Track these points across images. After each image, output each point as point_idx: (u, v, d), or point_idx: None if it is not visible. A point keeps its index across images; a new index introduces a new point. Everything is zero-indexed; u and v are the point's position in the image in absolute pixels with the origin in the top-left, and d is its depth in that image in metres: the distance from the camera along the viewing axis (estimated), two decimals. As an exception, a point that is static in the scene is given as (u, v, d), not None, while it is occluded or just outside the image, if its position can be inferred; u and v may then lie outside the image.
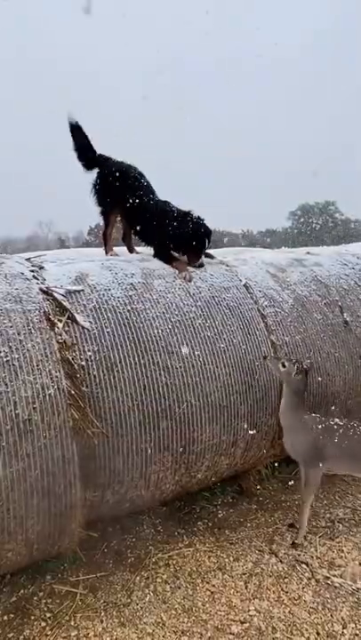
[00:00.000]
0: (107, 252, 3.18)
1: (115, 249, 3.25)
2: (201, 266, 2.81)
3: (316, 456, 2.40)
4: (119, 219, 3.19)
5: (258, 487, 2.97)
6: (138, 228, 3.02)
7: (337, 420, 2.44)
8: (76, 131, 2.97)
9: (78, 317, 2.19)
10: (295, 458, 2.52)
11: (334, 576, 2.23)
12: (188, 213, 2.83)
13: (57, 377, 1.97)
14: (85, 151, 3.02)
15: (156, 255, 2.87)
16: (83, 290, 2.34)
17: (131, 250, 3.29)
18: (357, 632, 1.93)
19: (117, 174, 2.98)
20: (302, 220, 41.18)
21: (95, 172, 3.07)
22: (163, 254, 2.82)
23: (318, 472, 2.42)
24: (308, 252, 3.59)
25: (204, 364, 2.45)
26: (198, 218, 2.82)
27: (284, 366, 2.42)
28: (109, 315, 2.30)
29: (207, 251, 3.01)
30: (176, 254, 2.81)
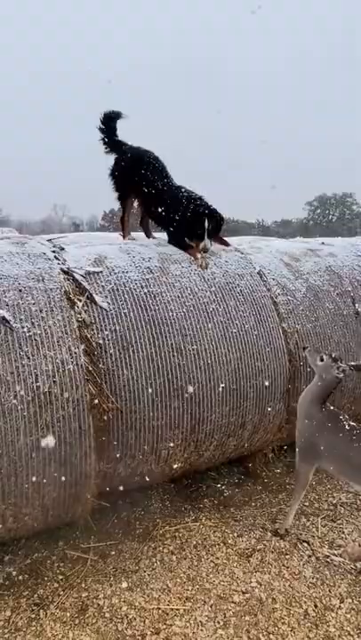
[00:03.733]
0: (124, 237, 3.24)
1: (132, 234, 3.32)
2: (205, 250, 2.78)
3: (311, 452, 2.33)
4: (136, 204, 3.25)
5: (263, 469, 3.06)
6: (154, 213, 3.06)
7: (351, 422, 2.27)
8: (112, 120, 3.05)
9: (97, 298, 2.28)
10: (296, 447, 2.44)
11: (334, 555, 2.32)
12: (193, 199, 2.82)
13: (76, 353, 2.07)
14: (110, 134, 3.08)
15: (170, 241, 2.93)
16: (101, 271, 2.42)
17: (148, 235, 3.35)
18: (354, 607, 2.03)
19: (133, 160, 3.03)
20: (318, 210, 40.72)
21: (113, 157, 3.14)
22: (176, 240, 2.88)
23: (309, 470, 2.36)
24: (322, 243, 3.62)
25: (216, 348, 2.52)
26: (201, 201, 2.81)
27: (321, 360, 2.33)
28: (126, 296, 2.38)
29: (224, 238, 3.05)
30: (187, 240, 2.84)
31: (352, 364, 2.38)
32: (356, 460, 2.19)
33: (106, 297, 2.32)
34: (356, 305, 3.07)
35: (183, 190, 2.93)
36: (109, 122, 3.07)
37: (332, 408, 2.38)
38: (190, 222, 2.76)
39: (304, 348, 2.48)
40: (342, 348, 2.96)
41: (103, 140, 3.11)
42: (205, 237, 2.77)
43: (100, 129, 3.08)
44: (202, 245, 2.78)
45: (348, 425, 2.24)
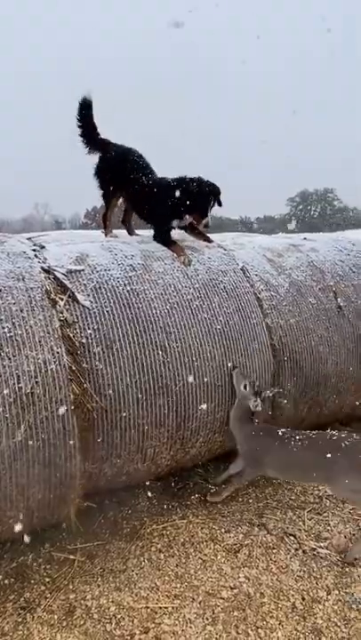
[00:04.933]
0: (106, 235, 3.22)
1: (114, 231, 3.30)
2: (207, 226, 2.86)
3: (255, 462, 2.55)
4: (120, 202, 3.23)
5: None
6: (140, 208, 3.06)
7: (282, 430, 2.50)
8: (86, 109, 2.99)
9: (79, 296, 2.25)
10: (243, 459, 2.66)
11: (321, 547, 2.34)
12: (184, 177, 2.86)
13: (58, 353, 2.04)
14: (90, 131, 3.04)
15: (155, 235, 2.91)
16: (83, 270, 2.39)
17: (131, 232, 3.33)
18: (340, 598, 2.05)
19: (118, 157, 3.02)
20: (301, 207, 41.07)
21: (96, 155, 3.11)
22: (162, 234, 2.87)
23: (254, 474, 2.63)
24: (304, 238, 3.64)
25: (201, 345, 2.52)
26: (200, 178, 2.84)
27: (245, 388, 2.52)
28: (109, 294, 2.35)
29: (207, 235, 3.05)
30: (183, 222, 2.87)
31: (268, 393, 2.63)
32: (299, 459, 2.39)
33: (88, 295, 2.30)
34: (338, 299, 3.10)
35: (168, 178, 2.93)
36: (85, 113, 3.00)
37: (261, 424, 2.63)
38: (194, 196, 2.78)
39: (234, 368, 2.59)
40: (325, 343, 2.98)
41: (83, 138, 3.07)
42: (208, 213, 2.84)
43: (78, 125, 3.04)
44: (205, 221, 2.84)
45: (280, 431, 2.48)
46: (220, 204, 2.94)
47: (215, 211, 2.98)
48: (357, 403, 3.27)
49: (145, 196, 2.96)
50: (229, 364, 2.58)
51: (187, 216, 2.86)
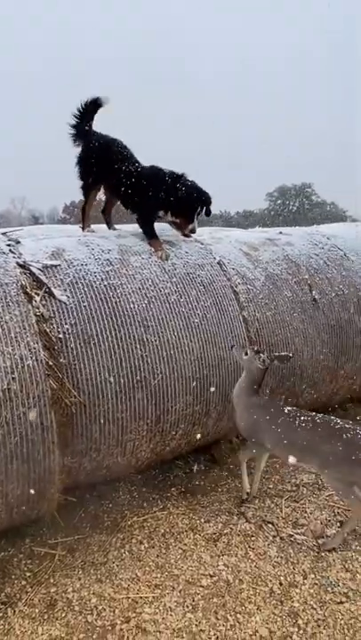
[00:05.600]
0: (84, 229, 3.20)
1: (92, 226, 3.28)
2: (193, 232, 2.86)
3: (255, 434, 2.50)
4: (102, 193, 3.19)
5: (229, 455, 3.12)
6: (127, 197, 2.97)
7: (288, 407, 2.47)
8: (94, 106, 2.97)
9: (55, 291, 2.24)
10: (242, 435, 2.65)
11: (298, 534, 2.41)
12: (181, 176, 2.84)
13: (35, 348, 2.04)
14: (84, 125, 3.01)
15: (140, 222, 2.89)
16: (59, 265, 2.38)
17: (110, 225, 3.32)
18: (316, 582, 2.11)
19: (102, 147, 2.97)
20: (279, 201, 41.37)
21: (77, 148, 3.07)
22: (147, 224, 2.85)
23: (260, 449, 2.56)
24: (280, 232, 3.69)
25: (179, 339, 2.54)
26: (191, 182, 2.83)
27: (246, 354, 2.50)
28: (86, 289, 2.35)
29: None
30: (171, 219, 2.88)
31: (274, 354, 2.57)
32: (299, 439, 2.33)
33: (65, 290, 2.29)
34: (313, 292, 3.16)
35: (162, 168, 2.90)
36: (90, 108, 2.98)
37: (267, 398, 2.60)
38: (183, 202, 2.79)
39: (232, 347, 2.62)
40: (301, 335, 3.05)
41: (75, 127, 3.02)
42: (195, 219, 2.86)
43: (78, 115, 2.99)
44: (191, 227, 2.86)
45: (287, 409, 2.43)
46: (207, 214, 2.94)
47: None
48: (332, 392, 3.35)
49: (133, 183, 2.90)
50: (230, 347, 2.64)
51: (173, 217, 2.86)
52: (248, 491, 2.64)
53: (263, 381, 2.58)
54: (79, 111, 2.99)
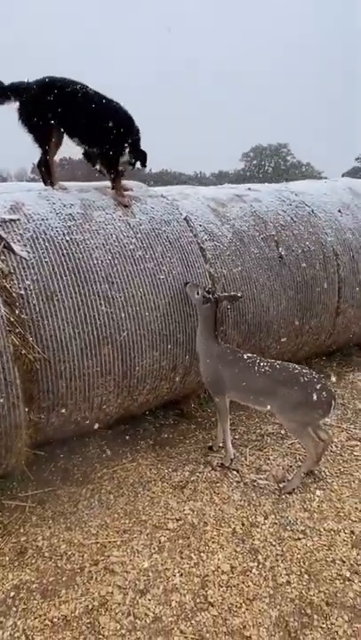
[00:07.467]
0: (53, 185, 2.95)
1: (65, 184, 3.00)
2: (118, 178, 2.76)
3: (219, 385, 2.57)
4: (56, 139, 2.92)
5: (198, 410, 3.20)
6: (92, 135, 2.77)
7: (247, 354, 2.53)
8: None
9: (15, 246, 2.18)
10: (205, 384, 2.70)
11: (260, 479, 2.52)
12: (110, 101, 2.69)
13: (-5, 304, 2.00)
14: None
15: (106, 162, 2.79)
16: (19, 219, 2.31)
17: (54, 180, 3.01)
18: (276, 521, 2.24)
19: (46, 92, 2.66)
20: (255, 162, 40.75)
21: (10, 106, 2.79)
22: (110, 160, 2.75)
23: (223, 400, 2.60)
24: (248, 189, 3.65)
25: (145, 295, 2.54)
26: (125, 113, 2.70)
27: (198, 294, 2.55)
28: (47, 244, 2.30)
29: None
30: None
31: (223, 294, 2.63)
32: (256, 384, 2.44)
33: (25, 245, 2.23)
34: (280, 248, 3.18)
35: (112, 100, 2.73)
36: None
37: (227, 345, 2.64)
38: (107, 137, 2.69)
39: (185, 284, 2.64)
40: (267, 291, 3.08)
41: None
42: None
43: None
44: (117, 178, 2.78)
45: (246, 356, 2.52)
46: (143, 164, 2.80)
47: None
48: (298, 348, 3.44)
49: (100, 119, 2.70)
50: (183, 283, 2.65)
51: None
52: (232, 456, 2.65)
53: (219, 325, 2.64)
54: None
